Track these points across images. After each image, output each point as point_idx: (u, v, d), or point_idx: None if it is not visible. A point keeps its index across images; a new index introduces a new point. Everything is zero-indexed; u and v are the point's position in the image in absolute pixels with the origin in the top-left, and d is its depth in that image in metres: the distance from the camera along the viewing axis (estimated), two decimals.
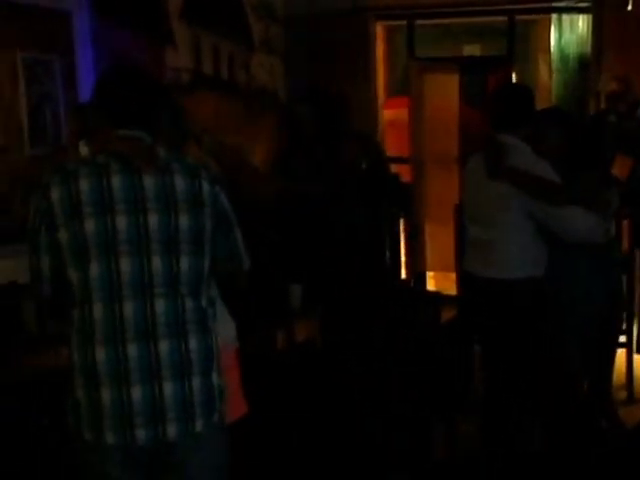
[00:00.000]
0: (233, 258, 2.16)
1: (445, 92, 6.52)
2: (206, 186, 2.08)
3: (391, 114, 6.88)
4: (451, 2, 6.31)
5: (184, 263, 2.01)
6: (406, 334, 4.16)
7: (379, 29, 6.57)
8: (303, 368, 3.99)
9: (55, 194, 1.98)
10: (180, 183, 2.04)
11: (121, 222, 1.96)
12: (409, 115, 6.54)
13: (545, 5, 6.39)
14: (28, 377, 3.10)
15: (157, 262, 1.97)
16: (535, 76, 7.53)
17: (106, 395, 1.97)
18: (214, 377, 2.07)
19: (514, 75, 6.54)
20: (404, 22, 6.65)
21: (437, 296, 4.53)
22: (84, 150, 2.05)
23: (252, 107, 6.02)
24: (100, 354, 1.97)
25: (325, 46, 6.21)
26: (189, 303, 2.02)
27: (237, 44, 6.19)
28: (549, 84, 6.52)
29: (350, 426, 3.96)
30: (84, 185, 1.97)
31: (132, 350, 1.96)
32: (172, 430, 2.00)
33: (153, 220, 1.98)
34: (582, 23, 6.24)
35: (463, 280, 3.87)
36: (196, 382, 2.02)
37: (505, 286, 3.41)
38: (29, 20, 4.60)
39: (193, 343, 2.02)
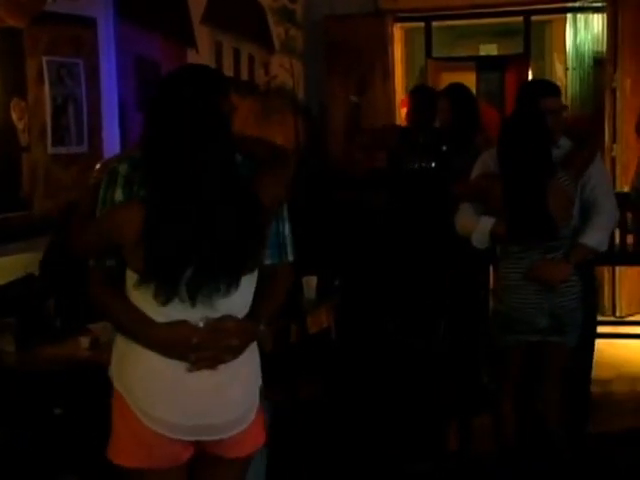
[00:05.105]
0: None
1: None
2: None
3: None
4: (467, 4, 6.38)
5: None
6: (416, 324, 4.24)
7: (397, 31, 6.66)
8: (318, 359, 4.07)
9: None
10: None
11: None
12: None
13: (560, 5, 6.45)
14: (46, 367, 3.15)
15: None
16: (551, 74, 7.58)
17: None
18: None
19: (530, 73, 6.62)
20: (422, 24, 6.75)
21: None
22: None
23: (270, 106, 6.15)
24: None
25: (344, 48, 6.31)
26: None
27: (257, 46, 6.34)
28: (564, 82, 6.57)
29: (364, 417, 4.04)
30: None
31: None
32: None
33: None
34: (597, 22, 6.29)
35: None
36: None
37: None
38: (55, 26, 4.74)
39: None
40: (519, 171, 3.22)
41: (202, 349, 2.06)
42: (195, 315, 2.07)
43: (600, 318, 5.50)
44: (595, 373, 4.33)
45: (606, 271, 5.88)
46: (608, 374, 4.45)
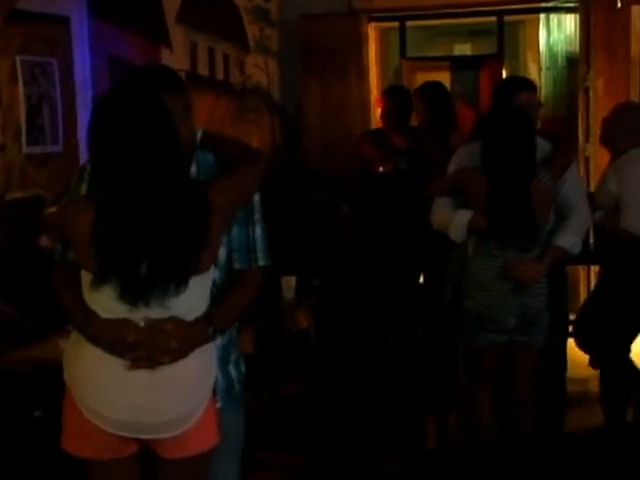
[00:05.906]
0: None
1: None
2: None
3: None
4: (441, 4, 6.40)
5: None
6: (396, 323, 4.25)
7: (371, 30, 6.67)
8: (297, 359, 4.08)
9: None
10: None
11: None
12: None
13: (533, 5, 6.49)
14: (24, 369, 3.17)
15: None
16: (525, 74, 7.63)
17: None
18: None
19: (504, 72, 6.67)
20: (396, 24, 6.77)
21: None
22: None
23: (245, 106, 6.16)
24: None
25: (319, 47, 6.31)
26: None
27: (232, 45, 6.34)
28: (539, 82, 6.62)
29: (342, 415, 4.05)
30: None
31: None
32: None
33: None
34: (570, 22, 6.35)
35: None
36: None
37: None
38: (28, 25, 4.70)
39: None
40: (504, 168, 3.23)
41: (139, 348, 2.05)
42: (138, 314, 2.07)
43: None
44: (571, 372, 4.37)
45: (581, 270, 5.92)
46: (584, 372, 4.49)
